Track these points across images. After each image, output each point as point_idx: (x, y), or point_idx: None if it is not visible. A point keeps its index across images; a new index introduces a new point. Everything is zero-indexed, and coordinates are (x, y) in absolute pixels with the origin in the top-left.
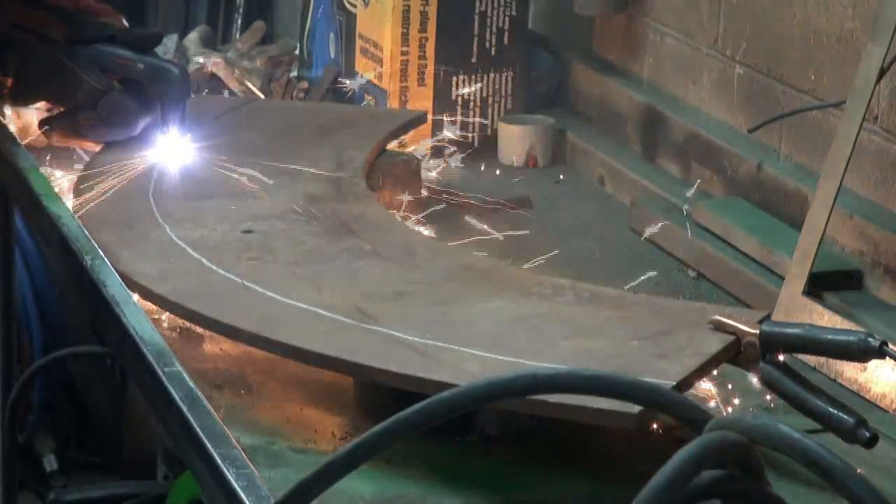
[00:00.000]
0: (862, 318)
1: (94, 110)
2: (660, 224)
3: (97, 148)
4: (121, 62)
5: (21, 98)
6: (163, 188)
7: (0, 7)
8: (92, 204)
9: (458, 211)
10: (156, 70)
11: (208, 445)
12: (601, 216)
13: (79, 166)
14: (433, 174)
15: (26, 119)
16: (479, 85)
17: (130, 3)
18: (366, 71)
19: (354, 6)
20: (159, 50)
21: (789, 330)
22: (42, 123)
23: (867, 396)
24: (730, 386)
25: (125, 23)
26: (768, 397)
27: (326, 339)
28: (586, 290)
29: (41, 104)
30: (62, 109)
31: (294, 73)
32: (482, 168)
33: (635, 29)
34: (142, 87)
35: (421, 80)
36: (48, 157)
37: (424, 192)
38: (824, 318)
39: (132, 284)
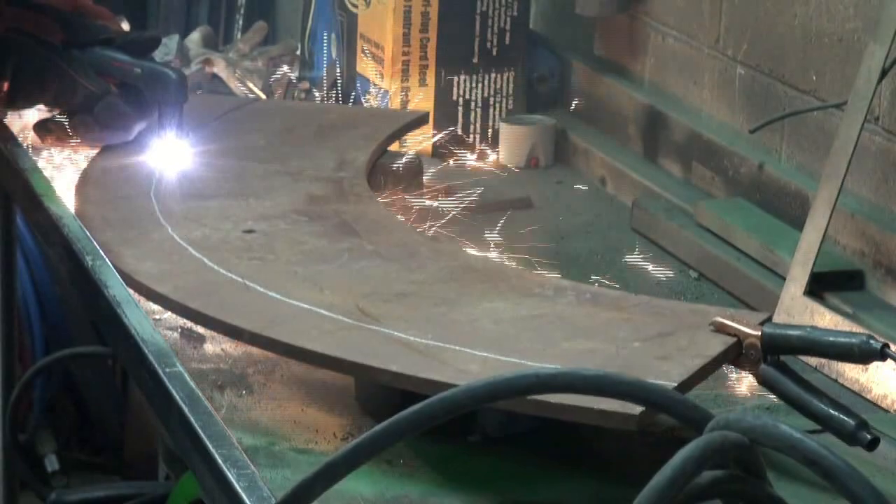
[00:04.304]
0: (863, 319)
1: (91, 114)
2: (661, 225)
3: (93, 151)
4: (118, 66)
5: (17, 101)
6: (164, 188)
7: None
8: (93, 204)
9: (459, 212)
10: (153, 74)
11: (209, 446)
12: (603, 217)
13: (80, 168)
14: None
15: (27, 120)
16: (480, 85)
17: (132, 3)
18: (367, 71)
19: (356, 6)
20: (160, 50)
21: (791, 332)
22: (38, 126)
23: (868, 397)
24: None
25: (124, 26)
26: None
27: (328, 339)
28: (587, 290)
29: (41, 106)
30: (58, 112)
31: (295, 74)
32: (483, 169)
33: (636, 29)
34: (139, 91)
35: (422, 81)
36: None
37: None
38: (826, 319)
39: (133, 284)
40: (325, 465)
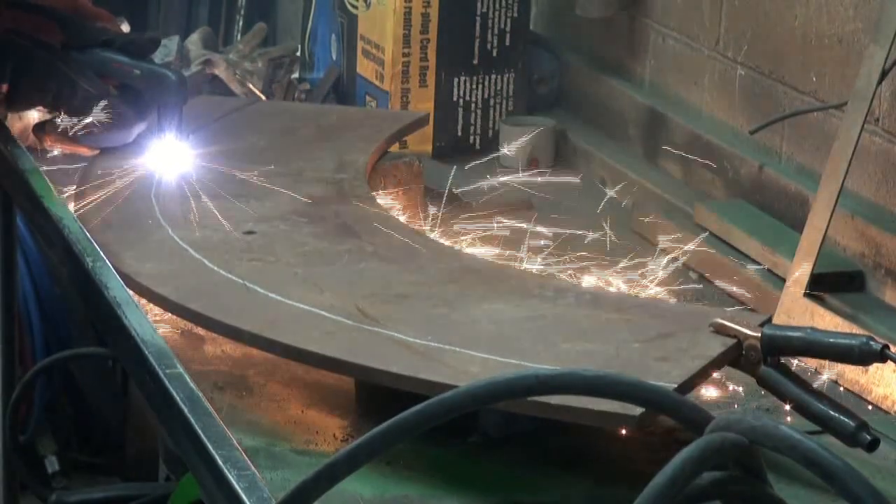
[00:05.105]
0: (863, 320)
1: (90, 116)
2: (661, 225)
3: (92, 153)
4: (117, 67)
5: (16, 103)
6: (165, 189)
7: None
8: (94, 206)
9: (459, 213)
10: (152, 76)
11: (209, 447)
12: (602, 217)
13: (80, 168)
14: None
15: (28, 121)
16: (480, 87)
17: (132, 4)
18: (367, 73)
19: (356, 7)
20: (161, 51)
21: (791, 333)
22: (37, 128)
23: (868, 398)
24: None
25: (124, 27)
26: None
27: (328, 340)
28: (587, 292)
29: (41, 107)
30: (58, 114)
31: (295, 75)
32: (483, 170)
33: (637, 30)
34: (138, 93)
35: (422, 82)
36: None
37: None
38: (826, 320)
39: (134, 285)
40: (326, 466)
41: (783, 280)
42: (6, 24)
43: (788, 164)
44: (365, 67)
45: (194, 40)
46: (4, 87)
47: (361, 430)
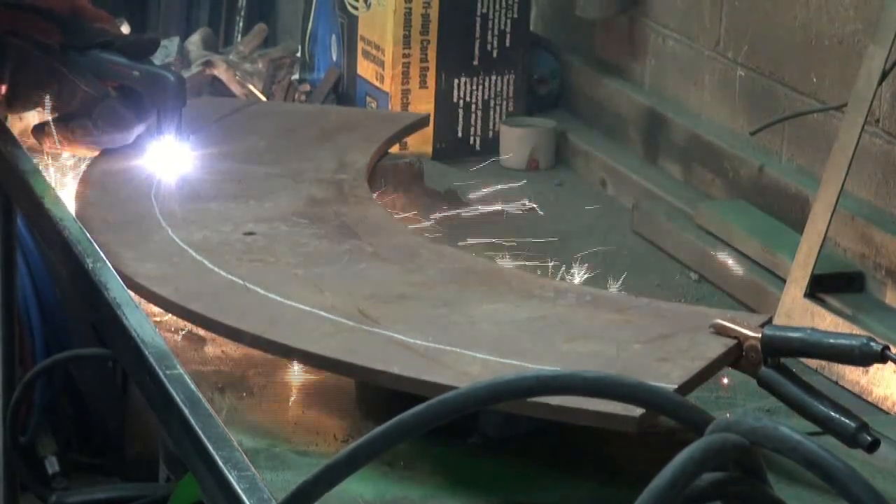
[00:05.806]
0: (863, 321)
1: (89, 117)
2: (662, 226)
3: (91, 155)
4: (116, 69)
5: (15, 104)
6: (165, 190)
7: None
8: (94, 206)
9: (459, 213)
10: (151, 77)
11: (210, 448)
12: (603, 218)
13: (81, 169)
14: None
15: (28, 122)
16: (480, 87)
17: (132, 5)
18: (367, 73)
19: (356, 8)
20: (161, 52)
21: (791, 334)
22: (36, 129)
23: (868, 399)
24: None
25: (123, 29)
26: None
27: (328, 341)
28: (588, 292)
29: (41, 108)
30: (57, 116)
31: (295, 76)
32: (483, 171)
33: (637, 31)
34: (137, 94)
35: (423, 83)
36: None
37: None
38: (826, 321)
39: (134, 286)
40: (326, 467)
41: (783, 281)
42: (5, 26)
43: (789, 164)
44: (365, 68)
45: (194, 41)
46: (3, 89)
47: (362, 431)
